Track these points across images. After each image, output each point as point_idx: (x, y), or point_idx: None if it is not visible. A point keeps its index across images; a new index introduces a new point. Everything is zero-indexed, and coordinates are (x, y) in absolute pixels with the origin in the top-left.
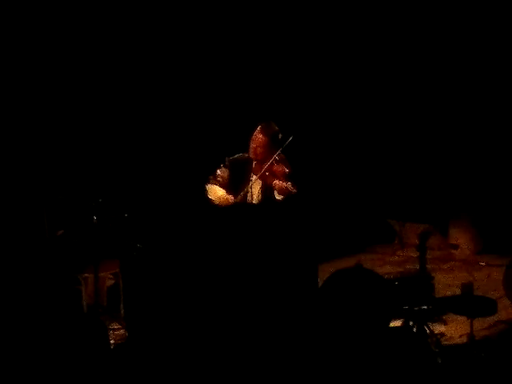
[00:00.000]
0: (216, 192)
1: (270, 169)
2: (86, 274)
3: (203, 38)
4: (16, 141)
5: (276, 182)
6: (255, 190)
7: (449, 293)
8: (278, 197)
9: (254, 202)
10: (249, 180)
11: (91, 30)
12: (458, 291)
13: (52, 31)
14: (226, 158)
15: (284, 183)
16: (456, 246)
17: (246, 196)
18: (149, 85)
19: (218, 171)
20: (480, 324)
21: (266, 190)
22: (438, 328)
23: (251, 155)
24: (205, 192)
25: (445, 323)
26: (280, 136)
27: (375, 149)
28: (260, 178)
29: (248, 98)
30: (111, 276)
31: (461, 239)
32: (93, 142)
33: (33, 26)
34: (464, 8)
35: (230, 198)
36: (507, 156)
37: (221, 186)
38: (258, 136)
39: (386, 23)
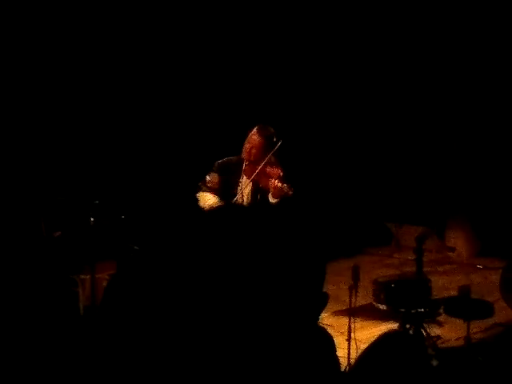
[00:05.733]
0: (207, 200)
1: (263, 170)
2: (83, 276)
3: (197, 40)
4: (14, 143)
5: (272, 181)
6: (245, 191)
7: (446, 295)
8: (273, 200)
9: (243, 203)
10: (238, 182)
11: (91, 30)
12: (455, 294)
13: (52, 31)
14: (215, 163)
15: (280, 184)
16: (453, 249)
17: (236, 197)
18: (144, 89)
19: (208, 177)
20: (477, 327)
21: (258, 192)
22: (435, 331)
23: (245, 156)
24: (197, 200)
25: (438, 324)
26: (275, 139)
27: (373, 151)
28: (253, 179)
29: (241, 100)
30: (108, 277)
31: (458, 242)
32: (90, 144)
33: (33, 26)
34: (464, 8)
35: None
36: (505, 158)
37: (212, 191)
38: (254, 137)
39: (386, 23)
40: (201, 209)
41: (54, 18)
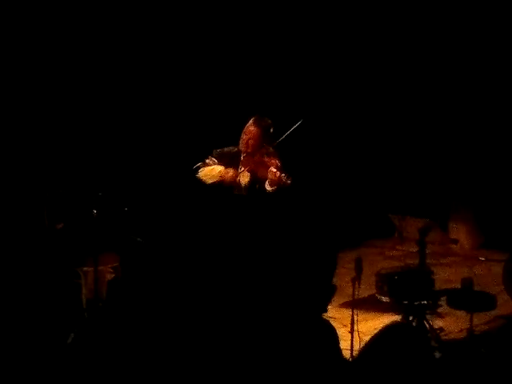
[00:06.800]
0: (213, 170)
1: (261, 161)
2: (85, 268)
3: (195, 34)
4: (16, 135)
5: (271, 169)
6: (243, 182)
7: (448, 288)
8: (269, 188)
9: (242, 194)
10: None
11: (91, 30)
12: (458, 286)
13: (52, 31)
14: (214, 150)
15: (278, 173)
16: (456, 241)
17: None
18: (144, 81)
19: (207, 160)
20: (479, 319)
21: (255, 182)
22: (438, 323)
23: (242, 147)
24: (199, 180)
25: (440, 316)
26: (272, 129)
27: (376, 142)
28: (250, 169)
29: (239, 91)
30: (111, 270)
31: (461, 234)
32: (93, 135)
33: (33, 25)
34: (464, 8)
35: (230, 170)
36: (507, 151)
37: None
38: (251, 128)
39: (386, 22)
40: (207, 184)
41: (54, 18)
